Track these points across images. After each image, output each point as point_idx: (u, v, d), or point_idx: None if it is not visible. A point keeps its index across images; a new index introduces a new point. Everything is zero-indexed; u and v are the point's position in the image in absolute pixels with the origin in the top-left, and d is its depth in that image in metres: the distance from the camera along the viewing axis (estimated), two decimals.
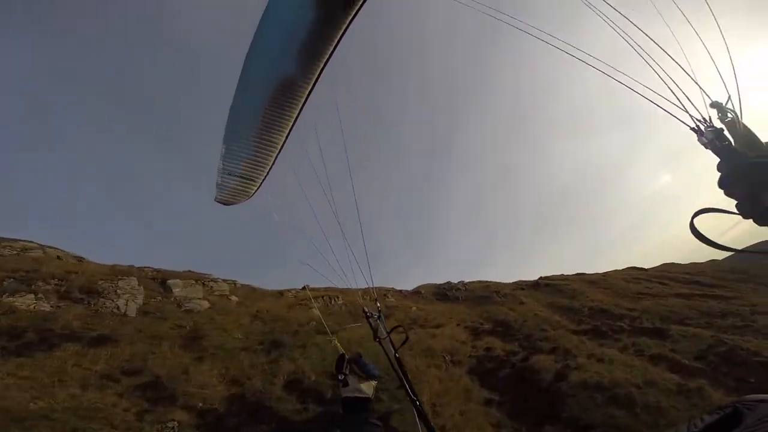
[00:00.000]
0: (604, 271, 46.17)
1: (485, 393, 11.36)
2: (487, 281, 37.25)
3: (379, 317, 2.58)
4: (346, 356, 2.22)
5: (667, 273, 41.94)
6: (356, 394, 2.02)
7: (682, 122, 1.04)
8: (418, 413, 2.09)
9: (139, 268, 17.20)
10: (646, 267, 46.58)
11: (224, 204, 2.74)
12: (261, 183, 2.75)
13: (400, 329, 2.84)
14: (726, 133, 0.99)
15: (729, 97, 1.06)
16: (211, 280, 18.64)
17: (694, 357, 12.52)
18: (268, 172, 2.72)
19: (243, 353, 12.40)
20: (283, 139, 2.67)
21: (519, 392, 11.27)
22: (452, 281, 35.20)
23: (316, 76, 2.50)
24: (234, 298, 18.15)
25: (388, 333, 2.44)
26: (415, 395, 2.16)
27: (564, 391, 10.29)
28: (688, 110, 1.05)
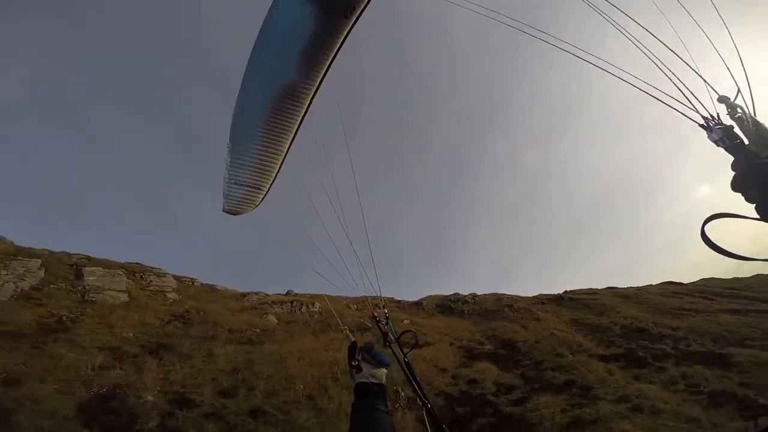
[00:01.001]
0: (638, 285, 40.54)
1: None
2: (501, 294, 32.93)
3: (387, 323, 2.52)
4: (358, 345, 2.32)
5: (709, 288, 36.26)
6: (371, 380, 2.10)
7: (691, 119, 0.97)
8: (429, 414, 2.03)
9: (53, 252, 15.05)
10: (684, 281, 40.55)
11: (232, 214, 2.77)
12: (267, 191, 2.77)
13: (409, 333, 2.86)
14: (736, 130, 0.92)
15: (738, 91, 0.96)
16: (155, 275, 16.20)
17: None
18: (273, 180, 2.75)
19: (103, 353, 9.61)
20: (287, 146, 2.70)
21: None
22: (461, 293, 31.17)
23: (317, 82, 2.55)
24: (173, 295, 15.49)
25: (398, 338, 2.38)
26: (426, 397, 2.12)
27: None
28: (695, 106, 0.97)
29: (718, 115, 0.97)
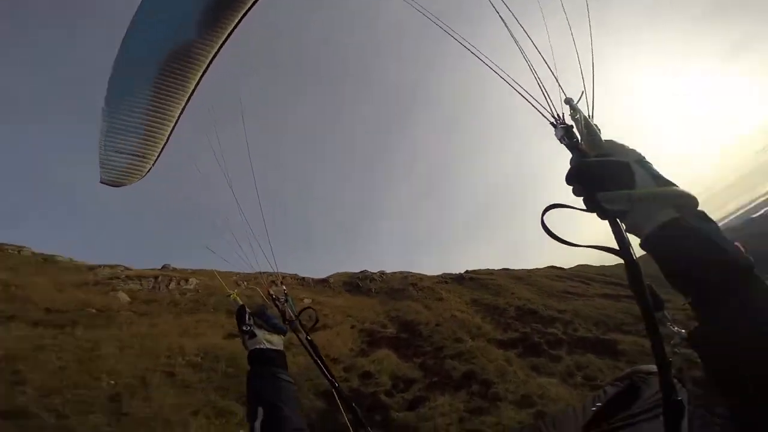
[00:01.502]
0: (528, 268, 44.48)
1: None
2: (408, 272, 32.76)
3: (286, 300, 2.12)
4: (248, 309, 1.87)
5: (584, 273, 41.50)
6: (268, 346, 1.73)
7: (543, 116, 0.98)
8: (339, 396, 1.83)
9: None
10: (564, 266, 45.79)
11: (112, 185, 2.41)
12: (156, 160, 2.50)
13: (311, 310, 2.44)
14: (575, 130, 0.94)
15: (583, 93, 0.98)
16: None
17: None
18: (162, 149, 2.49)
19: None
20: (180, 111, 2.43)
21: None
22: (369, 270, 30.08)
23: (219, 44, 2.34)
24: None
25: (297, 315, 2.05)
26: (333, 377, 1.86)
27: None
28: (551, 106, 0.98)
29: (563, 115, 0.96)
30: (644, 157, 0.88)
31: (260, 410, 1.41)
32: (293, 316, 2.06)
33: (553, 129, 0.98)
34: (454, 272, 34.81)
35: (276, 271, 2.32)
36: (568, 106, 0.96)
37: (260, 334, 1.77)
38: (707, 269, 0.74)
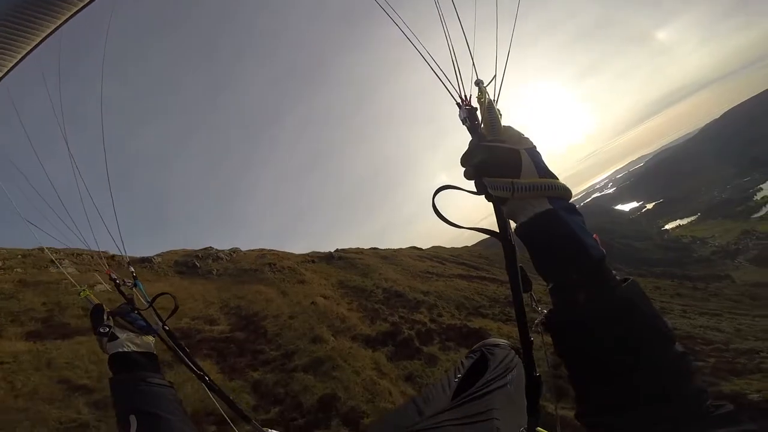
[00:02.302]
0: (396, 247, 45.48)
1: None
2: (267, 249, 28.33)
3: (135, 284, 1.81)
4: (105, 308, 1.60)
5: (439, 254, 44.69)
6: (133, 348, 1.48)
7: (452, 95, 0.97)
8: (210, 389, 1.67)
9: None
10: (423, 247, 49.48)
11: None
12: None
13: (165, 296, 1.96)
14: (479, 113, 0.93)
15: (494, 77, 0.98)
16: None
17: None
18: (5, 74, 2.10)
19: None
20: (25, 51, 2.05)
21: None
22: (216, 247, 24.43)
23: None
24: None
25: (151, 303, 1.73)
26: (201, 369, 1.70)
27: None
28: (461, 86, 0.97)
29: (469, 97, 0.96)
30: (535, 147, 0.91)
31: (132, 419, 1.22)
32: (146, 303, 1.75)
33: (457, 109, 0.96)
34: (323, 251, 31.88)
35: (124, 253, 1.97)
36: (477, 88, 0.95)
37: (123, 336, 1.52)
38: (567, 261, 0.80)
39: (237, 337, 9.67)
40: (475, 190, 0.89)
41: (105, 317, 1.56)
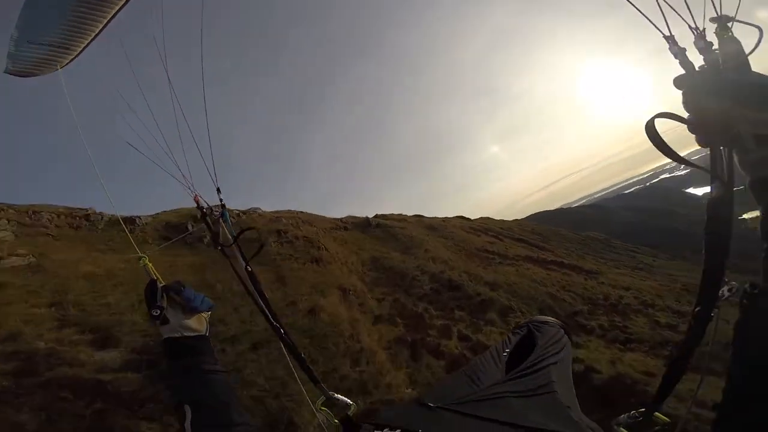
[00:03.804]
0: (442, 216, 39.40)
1: None
2: (292, 211, 23.78)
3: (222, 215, 1.68)
4: (160, 283, 1.42)
5: (487, 226, 37.89)
6: (185, 333, 1.36)
7: (656, 27, 0.88)
8: (283, 342, 1.57)
9: None
10: (471, 217, 43.34)
11: (20, 76, 2.27)
12: (80, 52, 2.30)
13: (253, 232, 2.18)
14: (715, 48, 0.78)
15: (734, 19, 0.80)
16: None
17: None
18: (91, 41, 2.25)
19: None
20: (116, 9, 2.18)
21: None
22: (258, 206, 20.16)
23: None
24: None
25: (236, 238, 1.62)
26: (277, 321, 1.59)
27: None
28: (665, 17, 0.86)
29: (704, 29, 0.81)
30: None
31: (187, 409, 1.19)
32: (231, 238, 1.62)
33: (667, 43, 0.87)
34: (360, 215, 26.78)
35: (214, 180, 1.73)
36: (714, 25, 0.81)
37: (175, 318, 1.37)
38: None
39: (124, 390, 4.73)
40: (704, 130, 0.74)
41: (159, 295, 1.37)
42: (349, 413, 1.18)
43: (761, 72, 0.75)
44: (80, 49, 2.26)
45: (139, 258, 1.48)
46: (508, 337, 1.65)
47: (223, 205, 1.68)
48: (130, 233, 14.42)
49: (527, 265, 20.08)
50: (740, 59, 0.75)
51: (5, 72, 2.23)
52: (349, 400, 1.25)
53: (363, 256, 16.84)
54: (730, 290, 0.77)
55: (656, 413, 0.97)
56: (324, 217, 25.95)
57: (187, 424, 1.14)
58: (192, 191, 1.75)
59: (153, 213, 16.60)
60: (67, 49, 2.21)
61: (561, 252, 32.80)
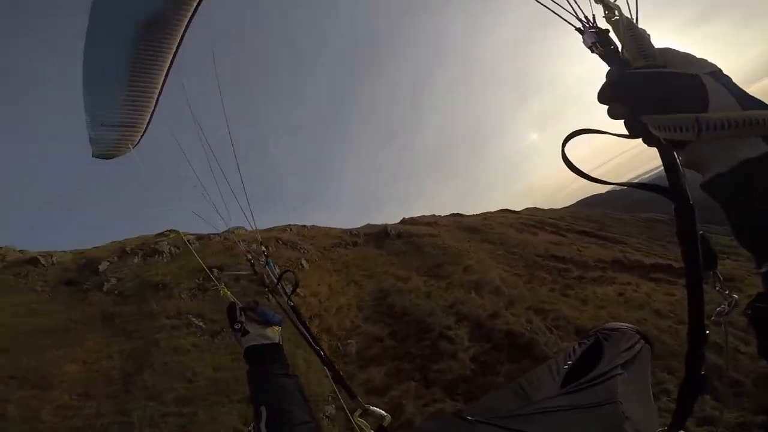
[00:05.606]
0: (482, 212, 32.21)
1: None
2: (289, 226, 18.59)
3: (267, 263, 2.10)
4: (238, 304, 1.79)
5: (536, 216, 30.02)
6: (262, 341, 1.69)
7: (567, 22, 0.83)
8: (324, 363, 1.84)
9: None
10: (516, 209, 35.89)
11: (106, 158, 2.59)
12: (146, 127, 2.62)
13: (288, 274, 2.32)
14: (612, 35, 0.75)
15: None
16: None
17: None
18: (152, 116, 2.57)
19: None
20: (163, 78, 2.50)
21: None
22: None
23: (192, 10, 2.34)
24: None
25: (279, 279, 1.99)
26: (318, 344, 1.86)
27: None
28: (574, 7, 0.82)
29: (594, 17, 0.79)
30: (721, 70, 0.66)
31: (263, 410, 1.41)
32: (274, 281, 1.96)
33: (580, 36, 0.82)
34: (378, 223, 21.03)
35: (254, 228, 2.20)
36: (600, 7, 0.78)
37: (253, 330, 1.68)
38: None
39: None
40: (627, 133, 0.68)
41: (238, 314, 1.68)
42: (384, 424, 1.32)
43: (667, 46, 0.68)
44: (145, 125, 2.49)
45: (220, 288, 1.94)
46: (573, 348, 1.54)
47: (266, 255, 2.06)
48: (24, 277, 10.25)
49: (622, 275, 13.13)
50: (639, 44, 0.69)
51: (93, 156, 2.52)
52: (384, 412, 1.35)
53: (366, 288, 11.17)
54: (729, 304, 0.72)
55: None
56: (331, 229, 20.58)
57: (263, 425, 1.32)
58: (240, 244, 2.29)
59: (76, 249, 12.09)
60: (134, 126, 2.47)
61: (635, 244, 24.50)
